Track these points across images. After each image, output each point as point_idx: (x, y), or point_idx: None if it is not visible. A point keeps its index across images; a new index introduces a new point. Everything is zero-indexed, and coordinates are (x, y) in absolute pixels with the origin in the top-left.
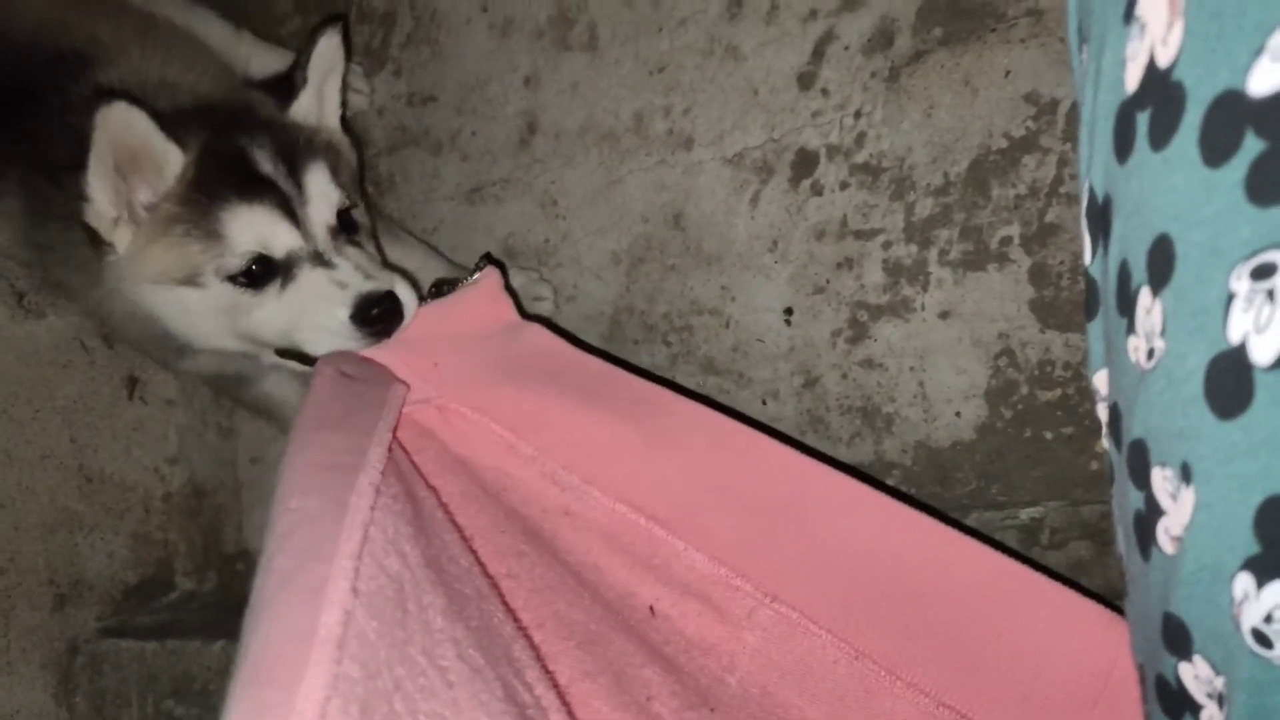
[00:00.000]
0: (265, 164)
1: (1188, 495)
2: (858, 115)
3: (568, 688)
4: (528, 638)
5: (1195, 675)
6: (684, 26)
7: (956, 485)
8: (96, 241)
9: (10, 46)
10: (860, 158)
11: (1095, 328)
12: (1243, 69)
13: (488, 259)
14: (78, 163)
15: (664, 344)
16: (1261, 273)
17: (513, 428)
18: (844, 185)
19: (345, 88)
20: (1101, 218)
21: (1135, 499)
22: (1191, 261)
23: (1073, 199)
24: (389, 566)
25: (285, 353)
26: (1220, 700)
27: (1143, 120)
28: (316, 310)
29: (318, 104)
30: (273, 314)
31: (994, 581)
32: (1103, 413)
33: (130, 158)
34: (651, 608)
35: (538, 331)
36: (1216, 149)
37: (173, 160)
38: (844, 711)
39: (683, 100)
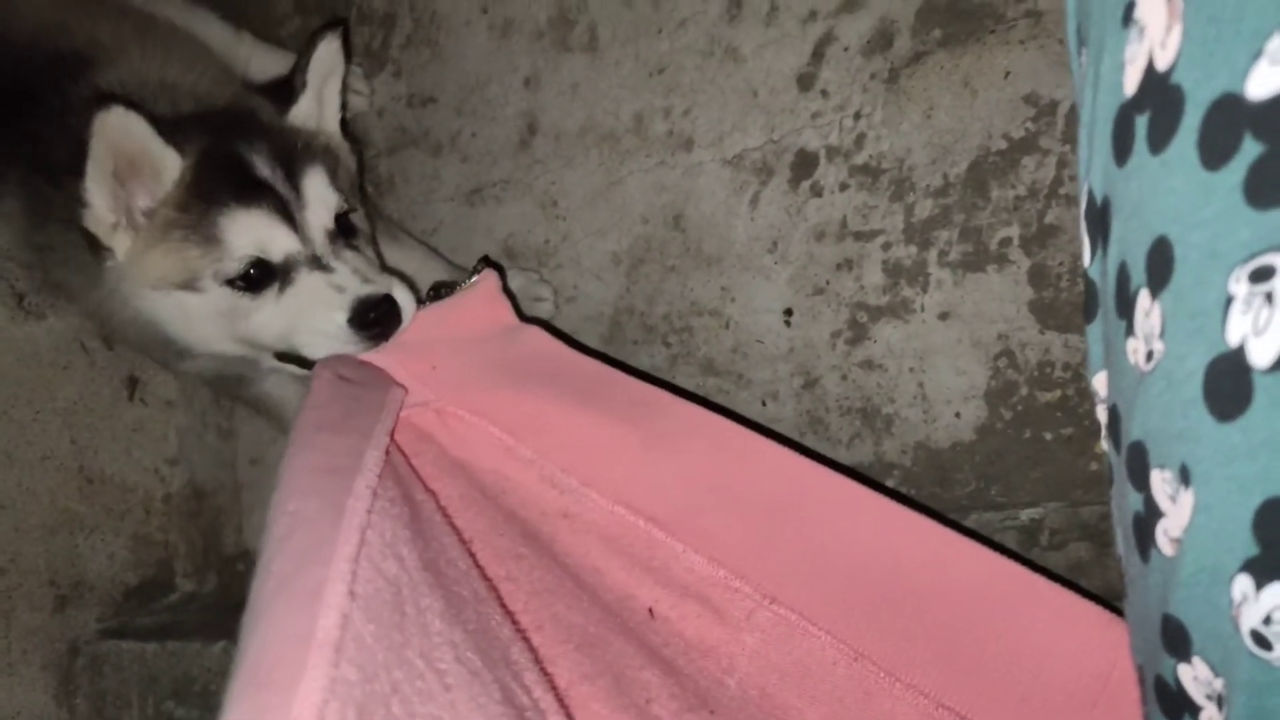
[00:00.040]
0: (263, 168)
1: (1187, 497)
2: (857, 116)
3: (567, 690)
4: (526, 640)
5: (1194, 677)
6: (684, 28)
7: (956, 486)
8: (95, 247)
9: (10, 48)
10: (860, 159)
11: (1094, 330)
12: (1241, 72)
13: (486, 261)
14: (77, 165)
15: (664, 345)
16: (1260, 275)
17: (511, 430)
18: (844, 186)
19: (345, 90)
20: (1100, 220)
21: (1134, 501)
22: (1190, 264)
23: (1072, 200)
24: (386, 570)
25: (284, 356)
26: (1219, 702)
27: (1141, 123)
28: (314, 314)
29: (317, 108)
30: (271, 318)
31: (993, 583)
32: (1102, 414)
33: (128, 163)
34: (651, 610)
35: (536, 334)
36: (1215, 152)
37: (171, 165)
38: (843, 713)
39: (683, 101)
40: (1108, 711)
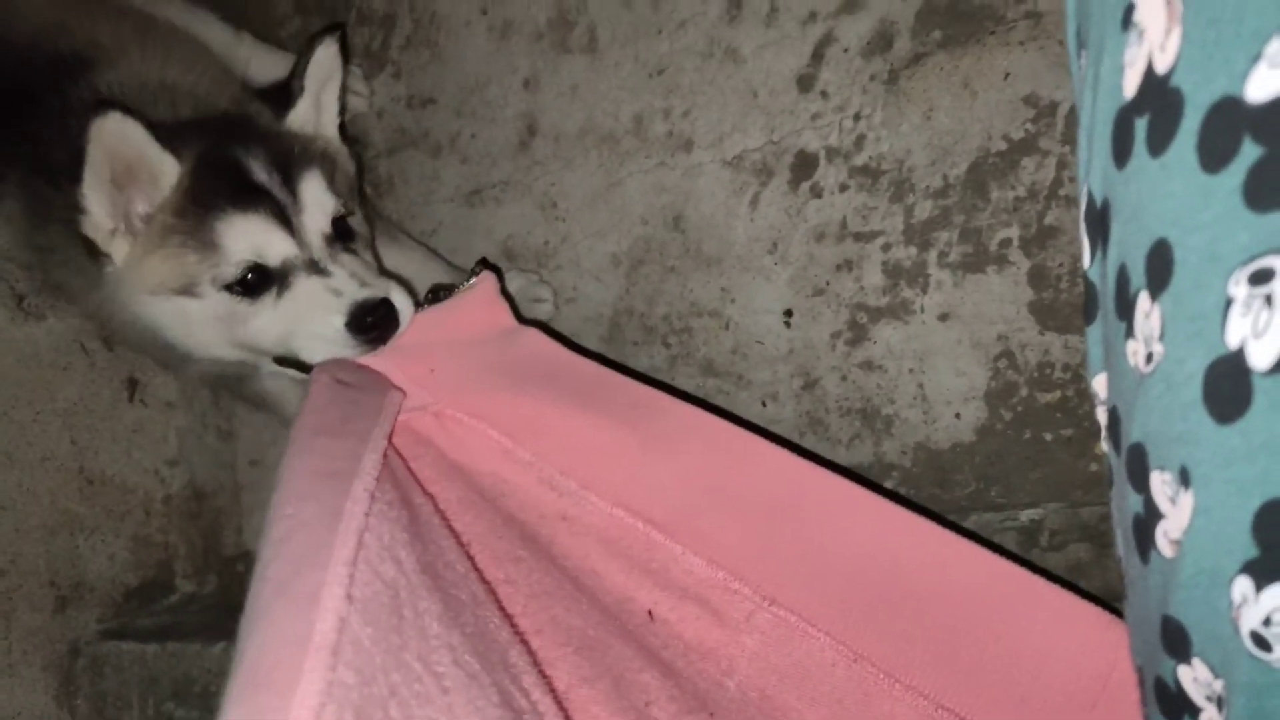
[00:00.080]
0: (260, 173)
1: (1186, 499)
2: (857, 118)
3: (566, 693)
4: (525, 643)
5: (1194, 678)
6: (683, 29)
7: (956, 487)
8: (94, 253)
9: (10, 49)
10: (859, 160)
11: (1094, 331)
12: (1240, 75)
13: (484, 264)
14: (76, 168)
15: (663, 346)
16: (1259, 278)
17: (509, 433)
18: (843, 187)
19: (344, 93)
20: (1100, 222)
21: (1134, 502)
22: (1190, 266)
23: (1072, 201)
24: (384, 573)
25: (283, 361)
26: (1219, 703)
27: (1141, 126)
28: (312, 318)
29: (315, 112)
30: (269, 323)
31: (992, 584)
32: (1102, 416)
33: (126, 169)
34: (650, 612)
35: (534, 336)
36: (1214, 155)
37: (168, 171)
38: (842, 714)
39: (682, 102)
40: (1107, 713)
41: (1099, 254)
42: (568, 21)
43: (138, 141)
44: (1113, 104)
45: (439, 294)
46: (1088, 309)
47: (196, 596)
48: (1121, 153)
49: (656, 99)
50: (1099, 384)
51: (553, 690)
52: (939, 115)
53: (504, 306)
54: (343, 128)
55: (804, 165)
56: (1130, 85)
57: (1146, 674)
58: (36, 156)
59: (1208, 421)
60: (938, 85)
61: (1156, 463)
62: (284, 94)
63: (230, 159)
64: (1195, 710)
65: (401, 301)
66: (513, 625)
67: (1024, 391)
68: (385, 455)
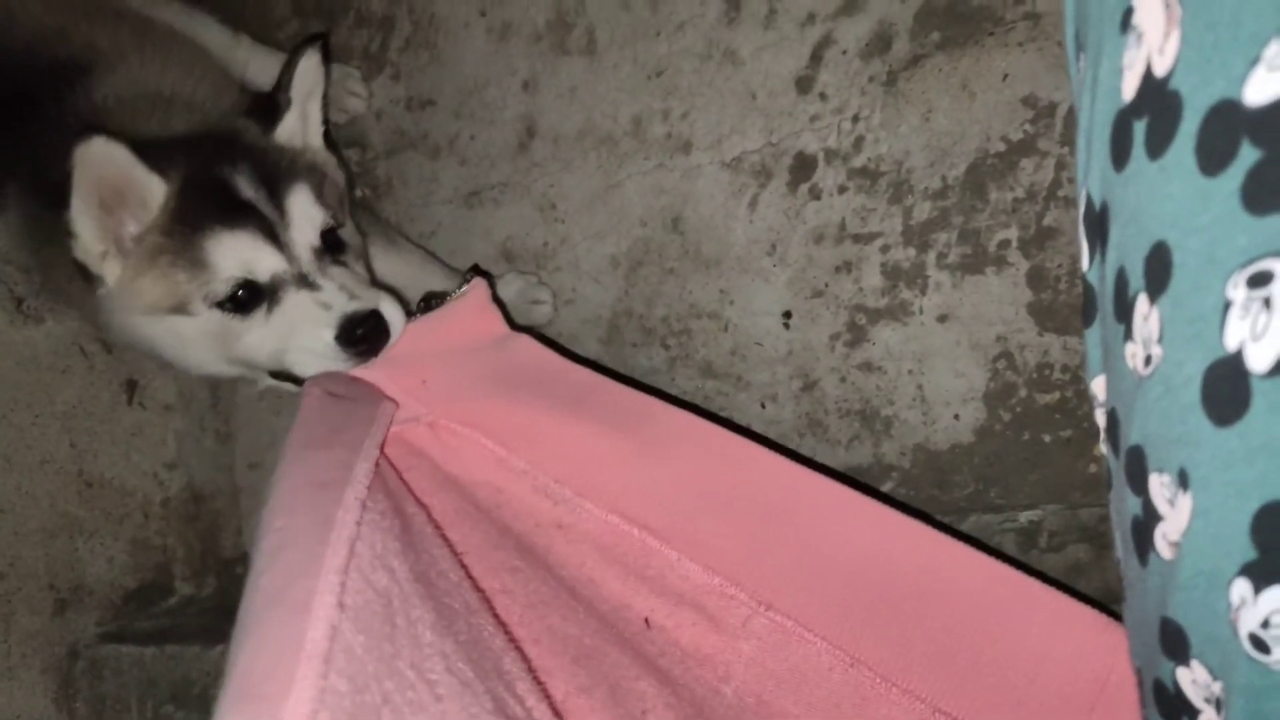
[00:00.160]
0: (247, 189)
1: (1185, 501)
2: (856, 119)
3: (563, 702)
4: (521, 653)
5: (1193, 680)
6: (682, 30)
7: (955, 488)
8: (87, 276)
9: (8, 55)
10: (858, 161)
11: (1093, 334)
12: (1239, 78)
13: (475, 270)
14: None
15: (662, 347)
16: (1258, 280)
17: (503, 441)
18: (842, 189)
19: (328, 105)
20: (1099, 224)
21: (1133, 504)
22: (1188, 269)
23: (1070, 202)
24: (376, 581)
25: (279, 375)
26: (1218, 705)
27: (1140, 129)
28: (302, 332)
29: (301, 124)
30: (261, 338)
31: (989, 587)
32: (1101, 418)
33: (114, 191)
34: (647, 619)
35: (526, 343)
36: (1213, 158)
37: (156, 191)
38: (839, 719)
39: (681, 104)
40: (1105, 715)
41: (1098, 256)
42: (566, 23)
43: (124, 164)
44: (1111, 106)
45: (431, 302)
46: (1086, 311)
47: (195, 599)
48: (1120, 155)
49: (655, 101)
50: (1098, 386)
51: (549, 699)
52: (938, 117)
53: (496, 314)
54: (329, 139)
55: (803, 167)
56: (1129, 88)
57: (1145, 676)
58: (35, 167)
59: (1206, 424)
60: (936, 87)
61: (1155, 465)
62: (271, 107)
63: (217, 176)
64: (1194, 712)
65: (392, 312)
66: (509, 635)
67: (1023, 393)
68: (377, 465)
